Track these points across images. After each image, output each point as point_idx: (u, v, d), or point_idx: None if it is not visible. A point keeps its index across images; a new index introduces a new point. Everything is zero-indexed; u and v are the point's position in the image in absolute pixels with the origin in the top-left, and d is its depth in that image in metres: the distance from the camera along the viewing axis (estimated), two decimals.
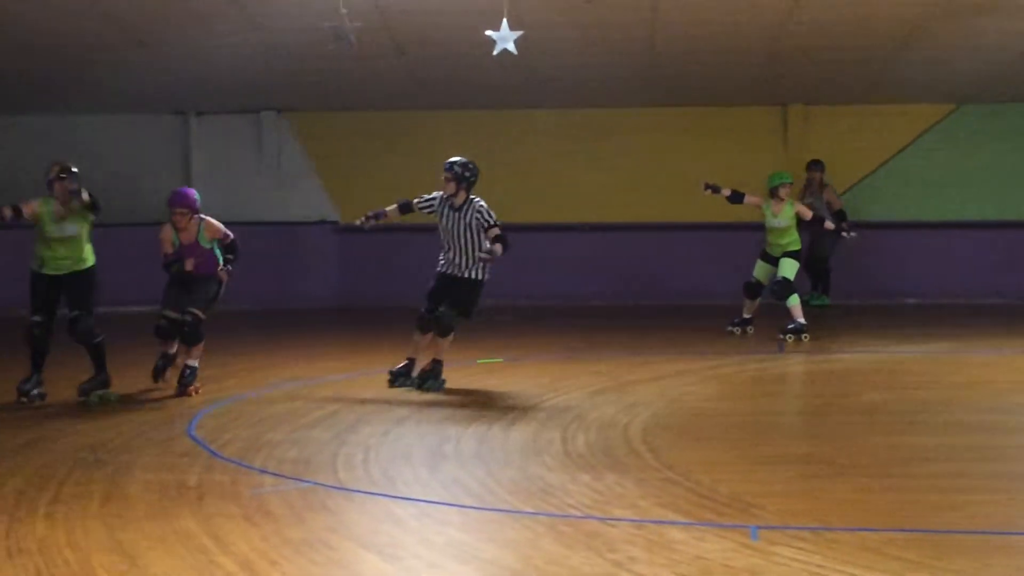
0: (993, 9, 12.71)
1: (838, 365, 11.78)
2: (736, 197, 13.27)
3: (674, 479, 7.18)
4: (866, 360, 12.00)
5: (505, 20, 11.10)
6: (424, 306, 10.34)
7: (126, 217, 15.71)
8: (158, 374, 10.24)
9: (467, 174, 10.28)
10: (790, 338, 13.00)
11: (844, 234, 13.62)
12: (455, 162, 10.29)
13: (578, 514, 6.48)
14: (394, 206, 10.52)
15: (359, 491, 6.96)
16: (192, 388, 10.01)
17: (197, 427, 8.70)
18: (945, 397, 9.95)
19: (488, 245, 10.06)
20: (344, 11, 11.28)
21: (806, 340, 13.00)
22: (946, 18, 13.00)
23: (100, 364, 9.84)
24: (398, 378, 10.35)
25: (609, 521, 6.32)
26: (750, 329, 13.57)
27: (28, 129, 16.98)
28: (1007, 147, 16.67)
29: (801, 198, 15.35)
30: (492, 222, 10.14)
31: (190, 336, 10.10)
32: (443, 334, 10.28)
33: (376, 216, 10.48)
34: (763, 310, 13.82)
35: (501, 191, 14.36)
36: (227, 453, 7.87)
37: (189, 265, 10.10)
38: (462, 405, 9.57)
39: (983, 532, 6.15)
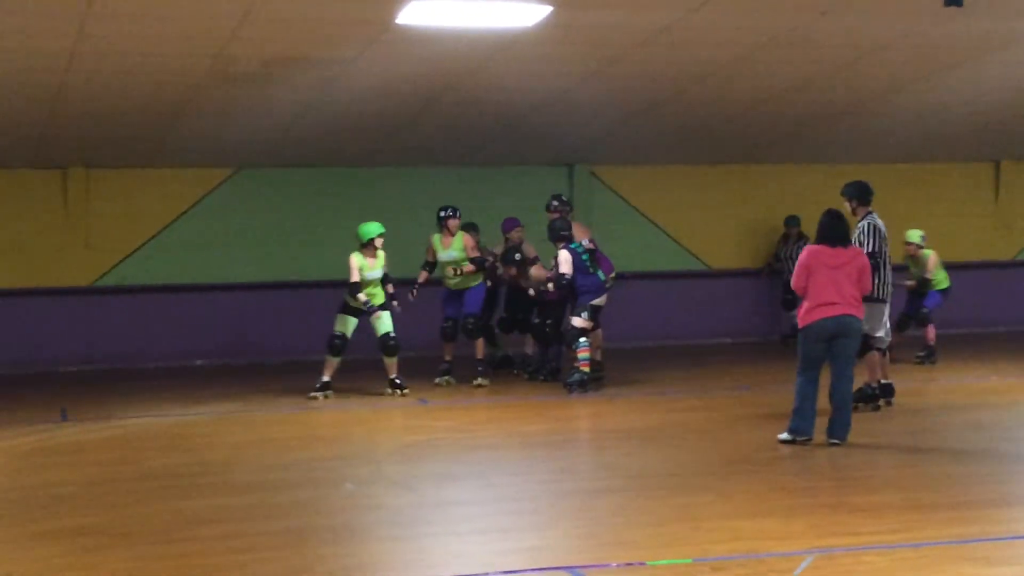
0: (264, 79, 13.14)
1: (123, 431, 11.60)
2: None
3: None
4: (152, 424, 11.93)
5: None
6: None
7: None
8: None
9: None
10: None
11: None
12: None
13: None
14: None
15: None
16: None
17: None
18: (227, 457, 10.12)
19: None
20: None
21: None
22: (223, 85, 13.25)
23: None
24: None
25: None
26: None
27: None
28: (285, 209, 17.25)
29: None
30: None
31: None
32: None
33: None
34: None
35: None
36: None
37: None
38: None
39: None
